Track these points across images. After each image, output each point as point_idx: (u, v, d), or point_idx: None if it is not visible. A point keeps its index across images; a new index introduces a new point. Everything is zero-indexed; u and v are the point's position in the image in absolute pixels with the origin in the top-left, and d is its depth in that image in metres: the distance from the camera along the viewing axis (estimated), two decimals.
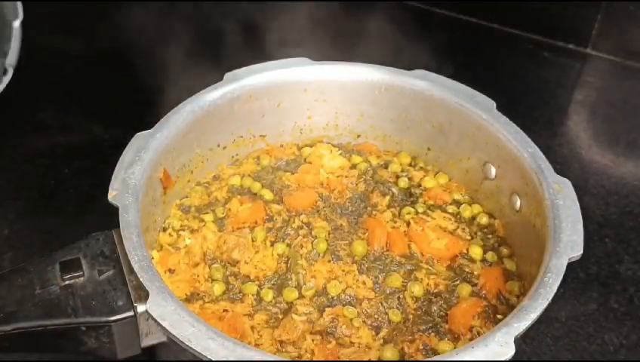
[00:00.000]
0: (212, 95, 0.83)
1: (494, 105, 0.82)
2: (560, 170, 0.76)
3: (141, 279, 0.60)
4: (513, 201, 0.80)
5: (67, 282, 0.63)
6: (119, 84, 1.07)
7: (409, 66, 0.88)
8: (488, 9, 1.20)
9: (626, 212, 0.91)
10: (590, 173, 0.97)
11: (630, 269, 0.84)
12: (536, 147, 0.78)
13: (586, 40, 1.17)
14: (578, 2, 1.12)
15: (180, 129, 0.80)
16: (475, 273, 0.77)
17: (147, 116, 0.85)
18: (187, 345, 0.56)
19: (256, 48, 1.08)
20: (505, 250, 0.80)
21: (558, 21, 1.17)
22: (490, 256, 0.79)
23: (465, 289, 0.74)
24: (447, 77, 0.86)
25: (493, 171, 0.83)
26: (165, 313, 0.58)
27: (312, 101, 0.89)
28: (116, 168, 0.73)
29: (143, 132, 0.78)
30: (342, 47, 1.04)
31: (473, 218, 0.84)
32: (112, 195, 0.69)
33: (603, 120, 1.07)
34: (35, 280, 0.63)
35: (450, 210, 0.84)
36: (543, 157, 0.77)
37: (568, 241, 0.67)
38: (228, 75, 0.85)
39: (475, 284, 0.76)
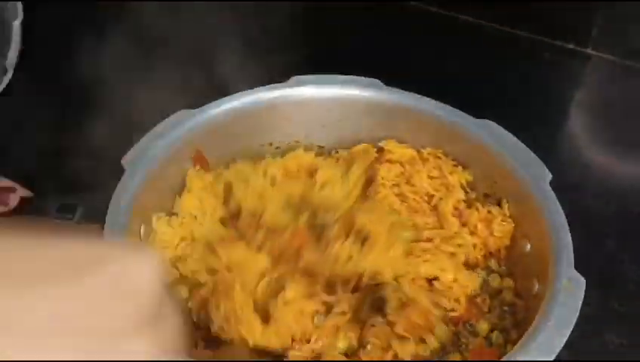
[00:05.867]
0: (272, 93, 0.82)
1: (549, 176, 0.73)
2: (560, 170, 0.76)
3: None
4: (532, 284, 0.71)
5: None
6: (120, 84, 1.07)
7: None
8: (487, 9, 1.20)
9: (626, 212, 0.91)
10: (590, 173, 0.97)
11: (630, 269, 0.84)
12: (569, 236, 0.69)
13: (586, 40, 1.16)
14: (578, 2, 1.12)
15: (227, 117, 0.79)
16: (470, 347, 0.69)
17: (149, 116, 0.85)
18: None
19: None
20: (514, 336, 0.69)
21: (558, 21, 1.16)
22: (495, 336, 0.71)
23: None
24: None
25: (527, 247, 0.75)
26: None
27: (372, 123, 0.85)
28: (144, 138, 0.75)
29: (188, 110, 0.78)
30: None
31: (499, 291, 0.75)
32: (126, 160, 0.69)
33: (603, 120, 1.07)
34: None
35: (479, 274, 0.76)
36: (570, 247, 0.68)
37: (539, 345, 0.59)
38: (293, 79, 0.84)
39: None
